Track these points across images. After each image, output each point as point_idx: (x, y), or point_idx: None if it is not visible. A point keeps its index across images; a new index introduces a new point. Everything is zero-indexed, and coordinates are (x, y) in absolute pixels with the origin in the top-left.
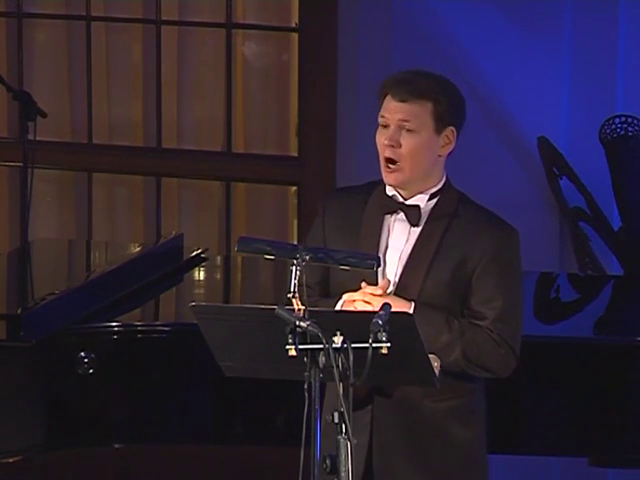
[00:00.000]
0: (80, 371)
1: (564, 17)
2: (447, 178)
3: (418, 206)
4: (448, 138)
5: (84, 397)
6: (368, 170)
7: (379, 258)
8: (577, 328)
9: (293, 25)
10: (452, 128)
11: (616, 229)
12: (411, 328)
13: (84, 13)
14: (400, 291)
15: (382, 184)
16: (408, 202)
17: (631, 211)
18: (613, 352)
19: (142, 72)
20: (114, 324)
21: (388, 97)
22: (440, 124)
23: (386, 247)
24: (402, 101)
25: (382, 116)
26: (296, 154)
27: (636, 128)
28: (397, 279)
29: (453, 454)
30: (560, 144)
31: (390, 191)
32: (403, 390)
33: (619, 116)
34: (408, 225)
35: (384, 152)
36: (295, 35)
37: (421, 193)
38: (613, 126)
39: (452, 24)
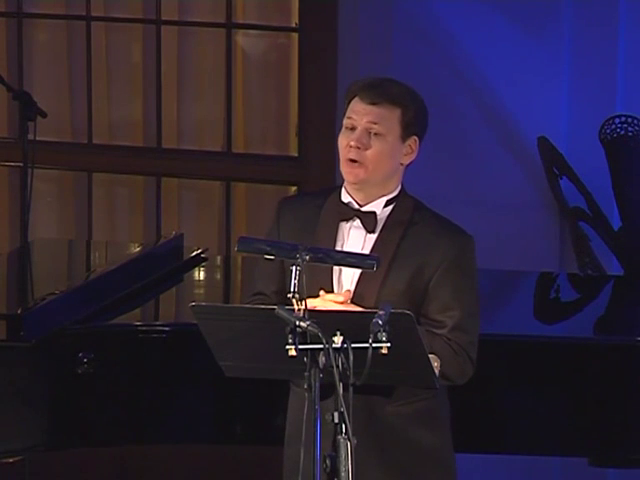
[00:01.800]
0: (80, 371)
1: (564, 17)
2: (403, 187)
3: (374, 212)
4: (411, 147)
5: (84, 397)
6: None
7: (379, 258)
8: (577, 328)
9: (293, 25)
10: (415, 137)
11: (616, 229)
12: (411, 328)
13: (84, 13)
14: (356, 300)
15: (338, 190)
16: (364, 209)
17: (631, 211)
18: (613, 352)
19: (142, 72)
20: (114, 324)
21: (356, 99)
22: (406, 132)
23: None
24: (372, 104)
25: (349, 117)
26: (296, 154)
27: (636, 128)
28: (353, 287)
29: (420, 458)
30: (560, 144)
31: (346, 197)
32: (364, 397)
33: (619, 116)
34: (364, 232)
35: (348, 154)
36: (295, 35)
37: (377, 199)
38: (613, 126)
39: (452, 24)
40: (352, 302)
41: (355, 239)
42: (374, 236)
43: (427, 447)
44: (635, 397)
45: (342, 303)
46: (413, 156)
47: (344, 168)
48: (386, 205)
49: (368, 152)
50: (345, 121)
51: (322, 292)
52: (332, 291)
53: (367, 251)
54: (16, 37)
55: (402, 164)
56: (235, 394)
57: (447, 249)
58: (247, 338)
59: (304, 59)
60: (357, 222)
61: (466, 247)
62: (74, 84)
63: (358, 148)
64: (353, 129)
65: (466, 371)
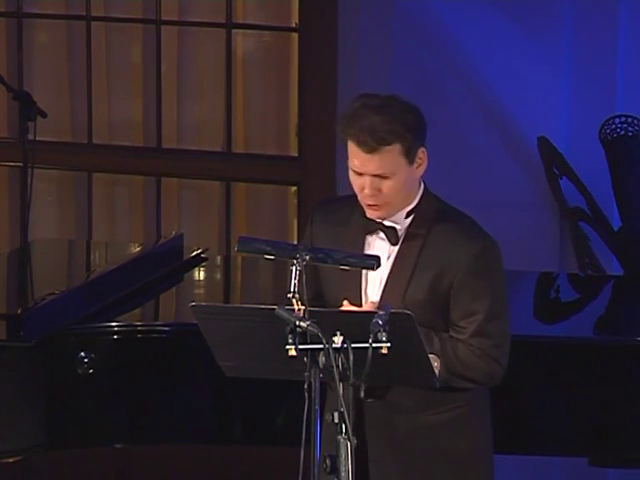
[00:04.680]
0: (80, 371)
1: (564, 17)
2: (424, 188)
3: (394, 228)
4: (420, 159)
5: (84, 397)
6: None
7: (379, 258)
8: (577, 328)
9: (293, 25)
10: (422, 149)
11: (616, 229)
12: (411, 328)
13: (84, 13)
14: None
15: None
16: (386, 222)
17: (631, 211)
18: (613, 352)
19: (142, 72)
20: (114, 324)
21: (354, 145)
22: (410, 156)
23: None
24: (370, 152)
25: (352, 162)
26: (296, 154)
27: (636, 128)
28: (378, 299)
29: (450, 465)
30: (560, 144)
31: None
32: (396, 405)
33: (619, 116)
34: (388, 244)
35: (364, 199)
36: (295, 35)
37: (398, 213)
38: (613, 126)
39: (452, 24)
40: None
41: (381, 251)
42: (396, 247)
43: (458, 454)
44: (635, 397)
45: None
46: (425, 165)
47: (364, 207)
48: (407, 215)
49: (383, 195)
50: (350, 163)
51: (346, 302)
52: (359, 302)
53: (390, 263)
54: (16, 37)
55: (417, 178)
56: (235, 394)
57: (464, 255)
58: (247, 338)
59: (304, 59)
60: (382, 234)
61: (485, 251)
62: (74, 84)
63: (373, 195)
64: (361, 175)
65: (493, 374)
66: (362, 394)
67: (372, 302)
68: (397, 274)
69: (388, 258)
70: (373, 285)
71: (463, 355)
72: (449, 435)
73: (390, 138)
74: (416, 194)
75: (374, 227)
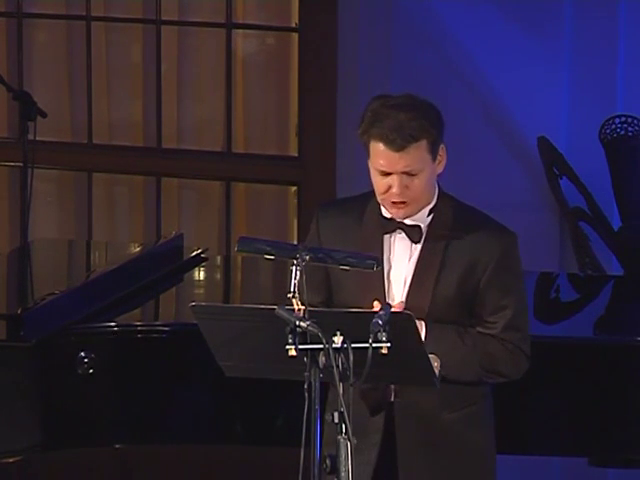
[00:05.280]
0: (80, 371)
1: (564, 17)
2: (439, 187)
3: (419, 226)
4: (441, 156)
5: (84, 397)
6: (368, 170)
7: (379, 258)
8: (577, 328)
9: (293, 25)
10: (442, 146)
11: (616, 229)
12: (411, 328)
13: (84, 13)
14: (409, 310)
15: (374, 200)
16: (408, 221)
17: (631, 211)
18: (613, 352)
19: (142, 72)
20: (114, 324)
21: (381, 145)
22: (434, 152)
23: (389, 267)
24: (399, 150)
25: (379, 163)
26: (296, 154)
27: (636, 128)
28: (404, 298)
29: (470, 458)
30: (560, 144)
31: (387, 213)
32: (422, 405)
33: (619, 116)
34: (409, 242)
35: (390, 198)
36: (295, 35)
37: (420, 212)
38: (613, 126)
39: (452, 24)
40: None
41: (402, 250)
42: (419, 246)
43: (476, 447)
44: (635, 397)
45: None
46: (444, 162)
47: (387, 207)
48: (429, 213)
49: (411, 192)
50: (375, 164)
51: (376, 303)
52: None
53: (414, 261)
54: (16, 37)
55: (437, 174)
56: (235, 394)
57: (492, 250)
58: (247, 338)
59: (304, 59)
60: (402, 234)
61: (510, 245)
62: (74, 84)
63: (401, 193)
64: (387, 174)
65: (522, 366)
66: (392, 397)
67: (402, 302)
68: (423, 273)
69: (410, 258)
70: (397, 286)
71: (495, 350)
72: (468, 430)
73: (418, 135)
74: (434, 193)
75: (392, 226)
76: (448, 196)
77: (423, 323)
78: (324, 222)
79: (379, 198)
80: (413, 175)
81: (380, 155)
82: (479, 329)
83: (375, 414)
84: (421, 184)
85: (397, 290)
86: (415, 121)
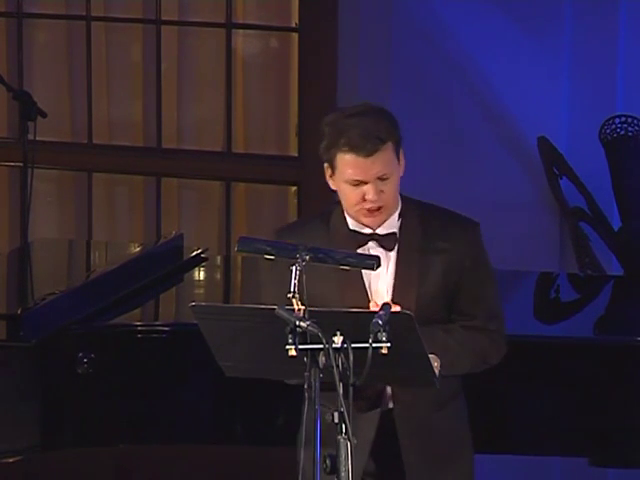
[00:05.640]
0: (80, 371)
1: (564, 17)
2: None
3: (394, 233)
4: (401, 160)
5: (84, 397)
6: None
7: (379, 258)
8: (577, 328)
9: (293, 25)
10: (401, 149)
11: (616, 229)
12: (411, 328)
13: (84, 13)
14: None
15: (334, 216)
16: (380, 231)
17: (631, 211)
18: (613, 352)
19: (142, 72)
20: (114, 324)
21: (349, 155)
22: (398, 154)
23: (369, 281)
24: (370, 155)
25: (351, 174)
26: (296, 154)
27: (636, 128)
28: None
29: (459, 453)
30: (560, 144)
31: (354, 225)
32: (418, 407)
33: (619, 116)
34: (383, 251)
35: (365, 206)
36: (295, 35)
37: (389, 219)
38: (613, 126)
39: (452, 24)
40: None
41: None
42: (393, 253)
43: (461, 437)
44: (635, 397)
45: None
46: (404, 165)
47: (361, 218)
48: (397, 219)
49: (385, 195)
50: (345, 176)
51: (374, 303)
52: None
53: (392, 269)
54: (16, 37)
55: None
56: (235, 394)
57: (465, 243)
58: (247, 338)
59: (304, 59)
60: (372, 244)
61: (479, 236)
62: (74, 84)
63: (376, 200)
64: (359, 184)
65: (502, 352)
66: (390, 404)
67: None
68: (404, 279)
69: (387, 267)
70: (379, 298)
71: (482, 343)
72: (454, 422)
73: (385, 137)
74: (399, 199)
75: (364, 239)
76: (408, 198)
77: None
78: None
79: (352, 211)
80: (385, 179)
81: (351, 165)
82: (462, 323)
83: (368, 420)
84: (393, 187)
85: (380, 300)
86: (380, 124)
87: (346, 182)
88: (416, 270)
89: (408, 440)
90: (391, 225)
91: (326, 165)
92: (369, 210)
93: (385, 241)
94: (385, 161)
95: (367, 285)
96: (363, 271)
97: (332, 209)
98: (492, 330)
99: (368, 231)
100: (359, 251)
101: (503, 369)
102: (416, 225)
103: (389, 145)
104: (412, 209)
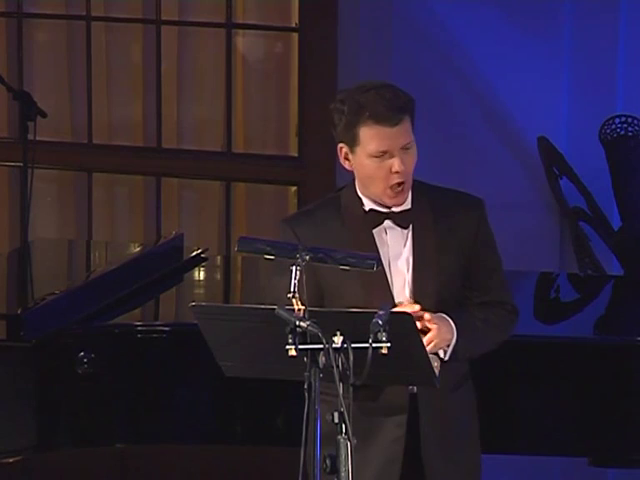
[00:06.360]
0: (80, 371)
1: (564, 17)
2: None
3: (409, 210)
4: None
5: (84, 397)
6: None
7: (379, 257)
8: (577, 328)
9: (293, 25)
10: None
11: (616, 229)
12: (411, 328)
13: (84, 13)
14: (418, 296)
15: (346, 198)
16: (396, 209)
17: (631, 211)
18: (613, 352)
19: (142, 72)
20: (114, 324)
21: (374, 127)
22: (413, 126)
23: (388, 261)
24: (396, 124)
25: (377, 146)
26: (296, 154)
27: (636, 128)
28: (410, 285)
29: (470, 438)
30: (560, 144)
31: (369, 205)
32: (438, 391)
33: (619, 116)
34: (399, 230)
35: (393, 180)
36: (295, 35)
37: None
38: (613, 126)
39: (452, 24)
40: (415, 299)
41: (395, 240)
42: (408, 231)
43: (474, 430)
44: (635, 397)
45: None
46: None
47: (387, 196)
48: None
49: (407, 168)
50: (370, 150)
51: (406, 303)
52: (393, 298)
53: (410, 246)
54: (16, 37)
55: None
56: (235, 394)
57: (473, 220)
58: (247, 338)
59: (304, 59)
60: (388, 222)
61: (484, 210)
62: (74, 84)
63: (403, 171)
64: (384, 156)
65: (515, 320)
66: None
67: (409, 300)
68: (423, 255)
69: (404, 244)
70: (400, 276)
71: (500, 318)
72: (465, 407)
73: (406, 106)
74: None
75: (380, 218)
76: (414, 179)
77: (451, 320)
78: (300, 230)
79: (377, 190)
80: (408, 149)
81: (377, 137)
82: (478, 299)
83: (395, 410)
84: (414, 159)
85: (400, 280)
86: (399, 95)
87: (371, 156)
88: (433, 247)
89: (429, 428)
90: (405, 203)
91: (341, 145)
92: (394, 187)
93: (400, 219)
94: (407, 130)
95: (387, 267)
96: (382, 252)
97: (338, 194)
98: (505, 302)
99: (384, 210)
100: (376, 232)
101: (503, 369)
102: (425, 203)
103: (408, 116)
104: (420, 189)
